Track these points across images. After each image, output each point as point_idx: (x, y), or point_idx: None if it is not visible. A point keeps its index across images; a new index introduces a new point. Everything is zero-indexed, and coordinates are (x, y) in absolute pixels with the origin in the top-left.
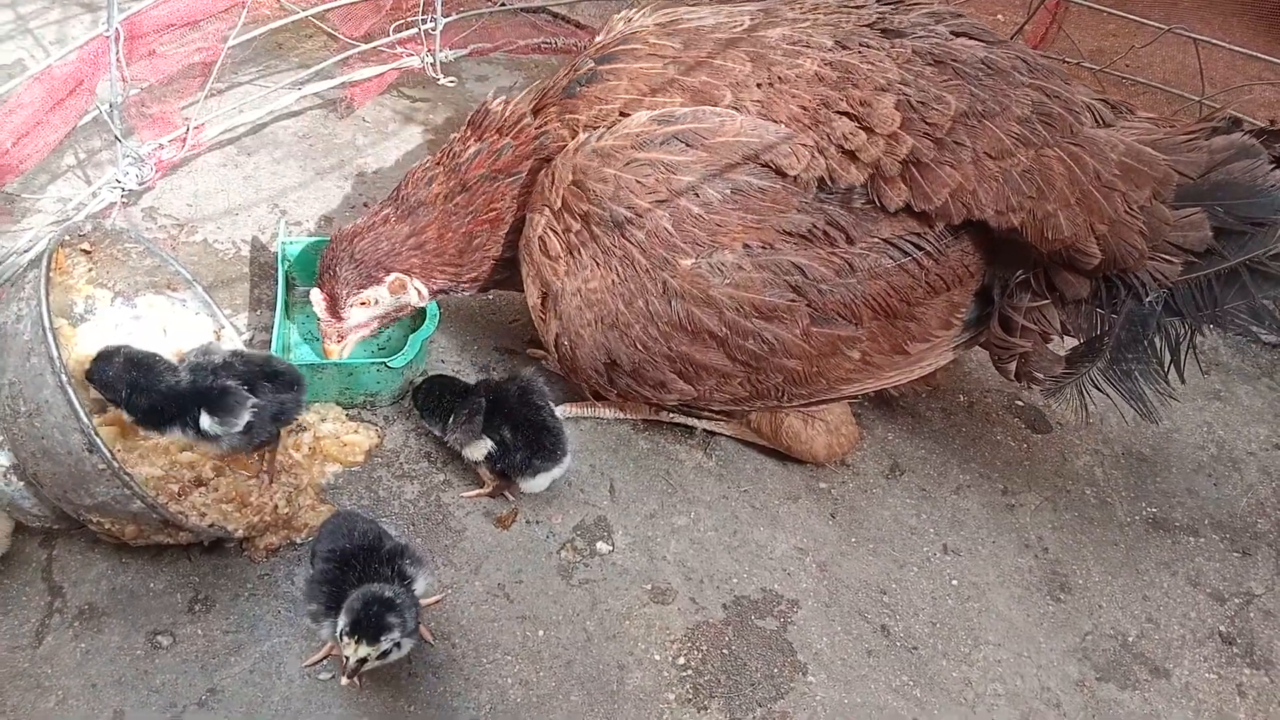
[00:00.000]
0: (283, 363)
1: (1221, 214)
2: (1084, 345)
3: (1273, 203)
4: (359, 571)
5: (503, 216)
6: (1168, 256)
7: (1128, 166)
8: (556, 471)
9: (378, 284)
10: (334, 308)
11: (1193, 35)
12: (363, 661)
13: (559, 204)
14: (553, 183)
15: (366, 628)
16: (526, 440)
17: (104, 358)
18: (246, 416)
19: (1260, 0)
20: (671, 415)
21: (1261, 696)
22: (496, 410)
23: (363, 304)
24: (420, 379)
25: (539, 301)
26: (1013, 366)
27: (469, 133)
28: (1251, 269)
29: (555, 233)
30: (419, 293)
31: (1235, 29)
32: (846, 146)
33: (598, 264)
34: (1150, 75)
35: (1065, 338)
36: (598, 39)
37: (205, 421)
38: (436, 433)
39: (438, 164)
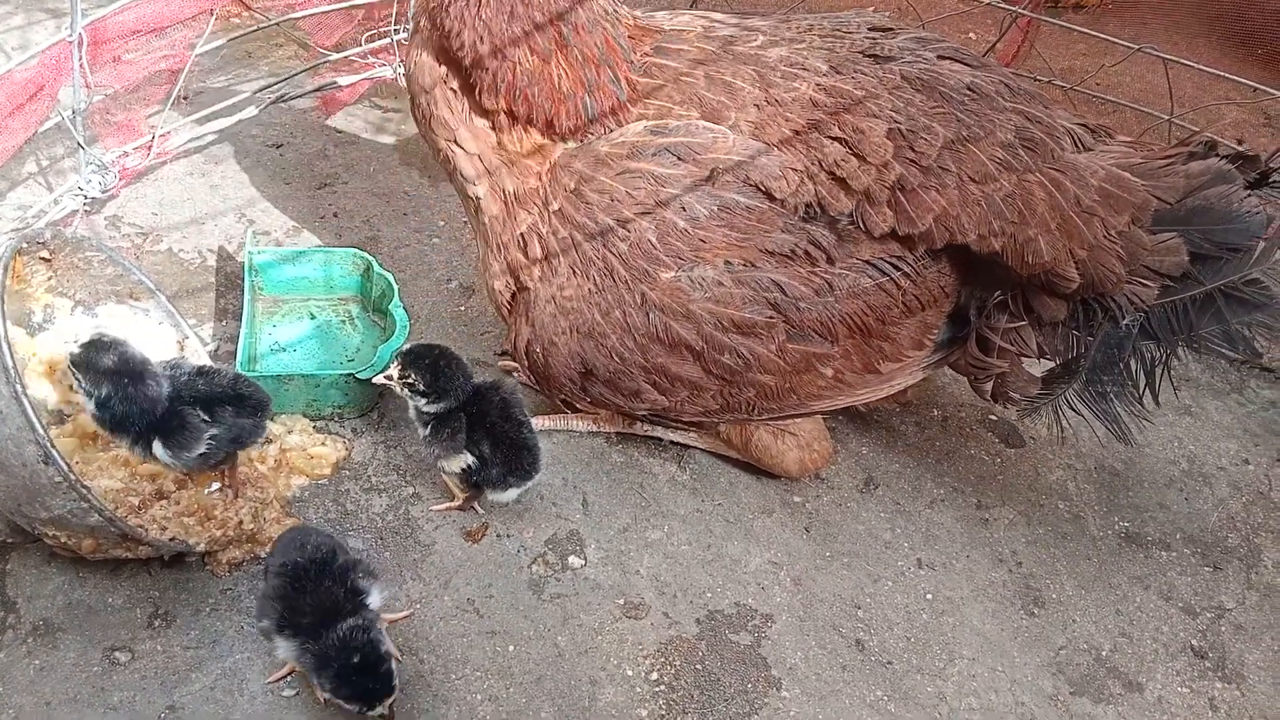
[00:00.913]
0: (249, 384)
1: (1198, 239)
2: (1060, 367)
3: (1247, 228)
4: (311, 587)
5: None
6: (1145, 280)
7: (1107, 192)
8: (528, 485)
9: None
10: None
11: (1162, 55)
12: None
13: (556, 206)
14: (555, 182)
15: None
16: (505, 458)
17: (101, 348)
18: (201, 449)
19: (1226, 22)
20: (646, 428)
21: (1233, 710)
22: (478, 424)
23: None
24: (411, 346)
25: (507, 297)
26: (989, 387)
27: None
28: (1226, 294)
29: (539, 235)
30: None
31: (1202, 49)
32: (837, 173)
33: (575, 272)
34: (1120, 94)
35: (1041, 359)
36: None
37: (158, 449)
38: (417, 394)
39: None
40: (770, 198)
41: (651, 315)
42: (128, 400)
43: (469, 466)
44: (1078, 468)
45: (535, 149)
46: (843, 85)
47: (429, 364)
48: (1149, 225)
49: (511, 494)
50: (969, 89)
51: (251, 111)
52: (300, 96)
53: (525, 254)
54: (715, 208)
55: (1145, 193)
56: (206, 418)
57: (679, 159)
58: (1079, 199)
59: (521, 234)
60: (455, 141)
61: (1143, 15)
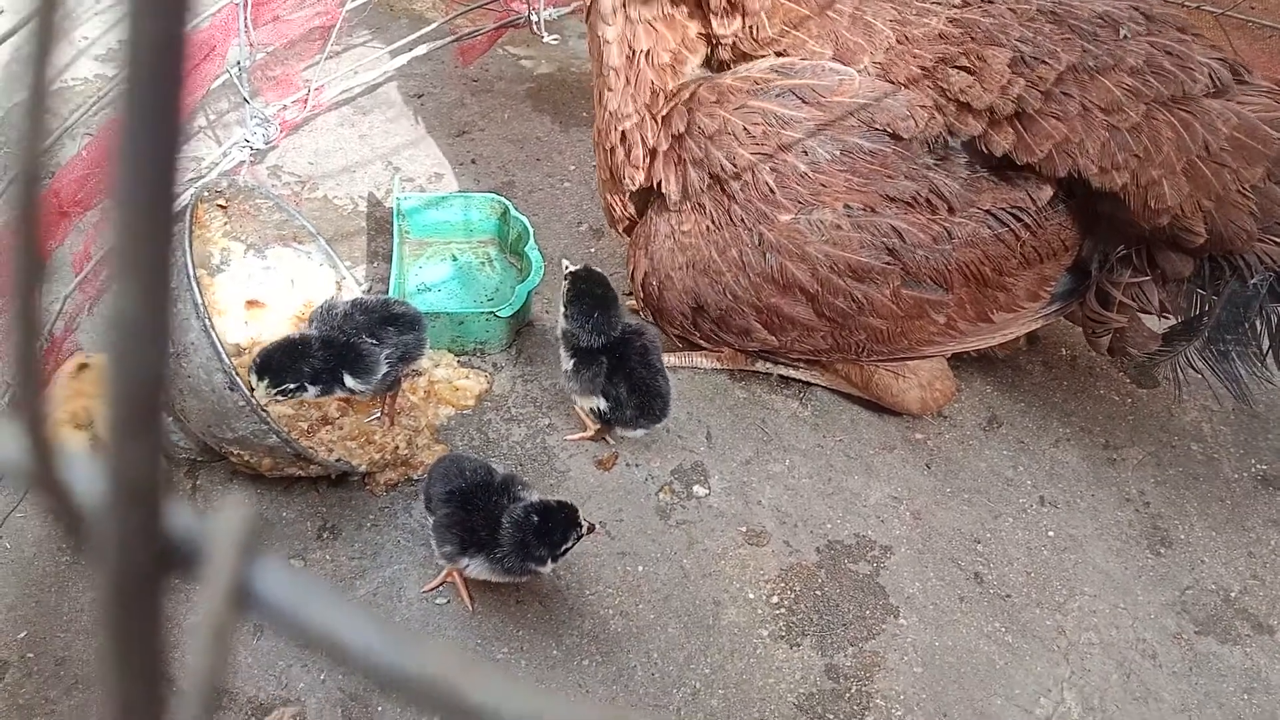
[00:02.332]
0: (400, 304)
1: None
2: (1181, 324)
3: None
4: (481, 505)
5: None
6: (1278, 239)
7: (1239, 142)
8: (658, 426)
9: None
10: None
11: None
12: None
13: (679, 129)
14: (680, 103)
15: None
16: (639, 402)
17: (269, 354)
18: (382, 369)
19: None
20: (767, 365)
21: None
22: (619, 369)
23: None
24: (582, 272)
25: (620, 205)
26: (1106, 341)
27: None
28: None
29: (644, 140)
30: None
31: None
32: (962, 99)
33: (694, 208)
34: (1278, 18)
35: (1162, 317)
36: None
37: (349, 382)
38: (574, 325)
39: None
40: (897, 139)
41: (768, 256)
42: (309, 369)
43: (602, 410)
44: (1214, 409)
45: (680, 45)
46: (972, 16)
47: (596, 298)
48: None
49: (640, 433)
50: (1100, 17)
51: (396, 63)
52: (439, 47)
53: (628, 154)
54: (838, 152)
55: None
56: (375, 342)
57: (803, 101)
58: (1208, 144)
59: (626, 130)
60: None
61: None
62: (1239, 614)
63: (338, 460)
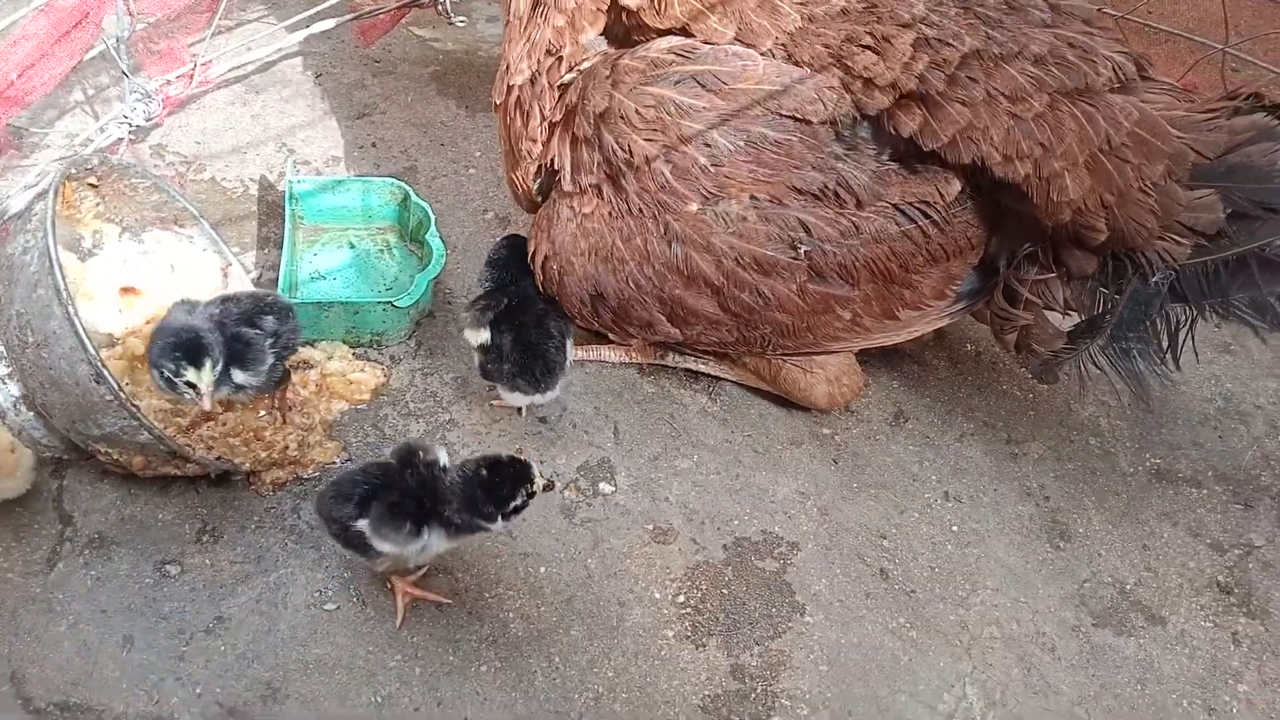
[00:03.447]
0: (266, 293)
1: (1236, 197)
2: (1085, 322)
3: None
4: (400, 497)
5: None
6: (1178, 237)
7: (1141, 138)
8: (536, 399)
9: None
10: None
11: None
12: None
13: (558, 118)
14: (573, 95)
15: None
16: (519, 359)
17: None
18: (270, 358)
19: None
20: (677, 359)
21: (1256, 645)
22: (510, 316)
23: None
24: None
25: (530, 187)
26: (1013, 338)
27: None
28: (1260, 259)
29: (542, 113)
30: None
31: None
32: (867, 76)
33: (595, 192)
34: (1174, 23)
35: (1067, 314)
36: None
37: (239, 376)
38: (496, 256)
39: None
40: (806, 123)
41: (674, 246)
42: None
43: (484, 344)
44: (1111, 404)
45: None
46: None
47: (512, 250)
48: (1186, 181)
49: (517, 399)
50: (1006, 4)
51: (293, 40)
52: (339, 25)
53: (527, 129)
54: (742, 143)
55: (1182, 145)
56: (258, 331)
57: (704, 88)
58: (1110, 138)
59: (527, 110)
60: None
61: None
62: (1134, 606)
63: (218, 459)
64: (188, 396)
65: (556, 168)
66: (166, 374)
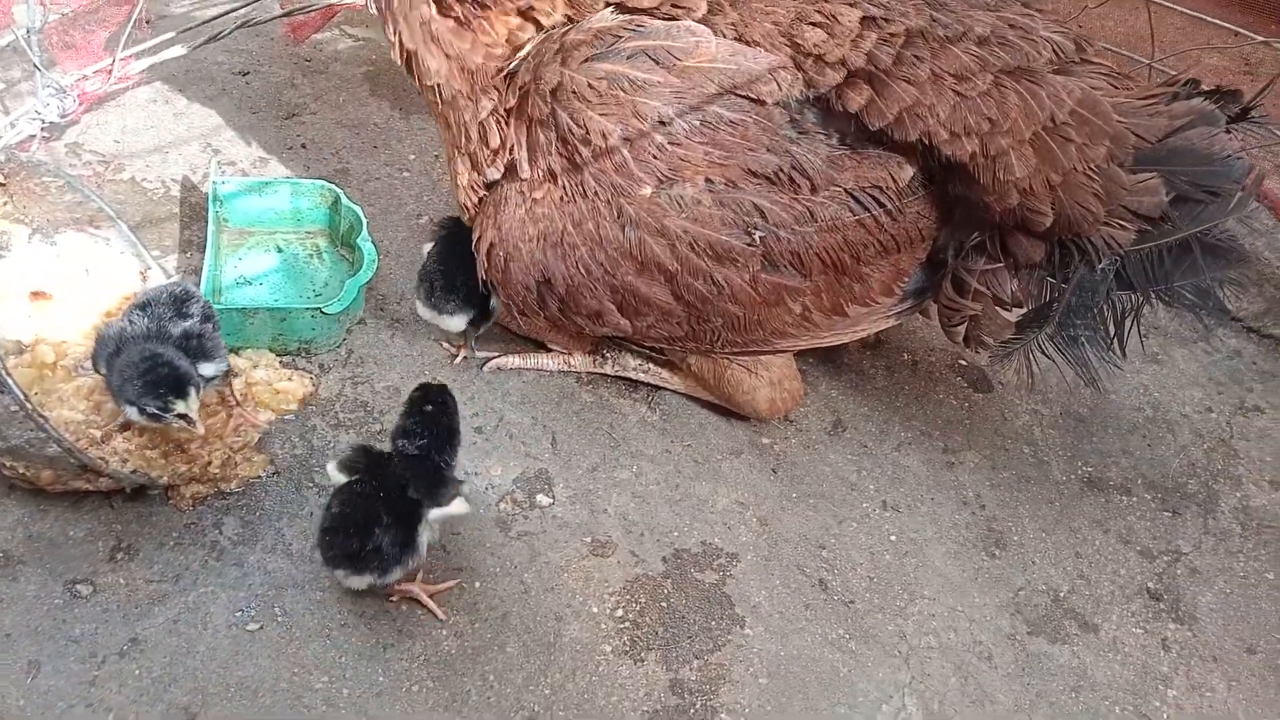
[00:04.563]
0: (173, 283)
1: (1178, 180)
2: (1033, 311)
3: (1229, 172)
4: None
5: None
6: (1122, 222)
7: (1083, 117)
8: (434, 315)
9: None
10: None
11: None
12: None
13: (511, 102)
14: (524, 71)
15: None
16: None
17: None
18: (224, 348)
19: None
20: (616, 368)
21: (1184, 650)
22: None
23: None
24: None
25: (475, 198)
26: (961, 330)
27: None
28: (1203, 243)
29: (499, 124)
30: None
31: None
32: (817, 53)
33: (546, 175)
34: (1104, 38)
35: (1015, 308)
36: None
37: (208, 369)
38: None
39: None
40: (759, 104)
41: (628, 230)
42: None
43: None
44: (1044, 413)
45: (507, 32)
46: None
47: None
48: (1129, 165)
49: (424, 312)
50: None
51: (218, 36)
52: (268, 21)
53: (486, 143)
54: (697, 122)
55: (1122, 127)
56: (197, 318)
57: (656, 63)
58: (1054, 116)
59: (482, 121)
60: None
61: None
62: (1067, 614)
63: (133, 472)
64: (176, 425)
65: (513, 156)
66: (153, 410)
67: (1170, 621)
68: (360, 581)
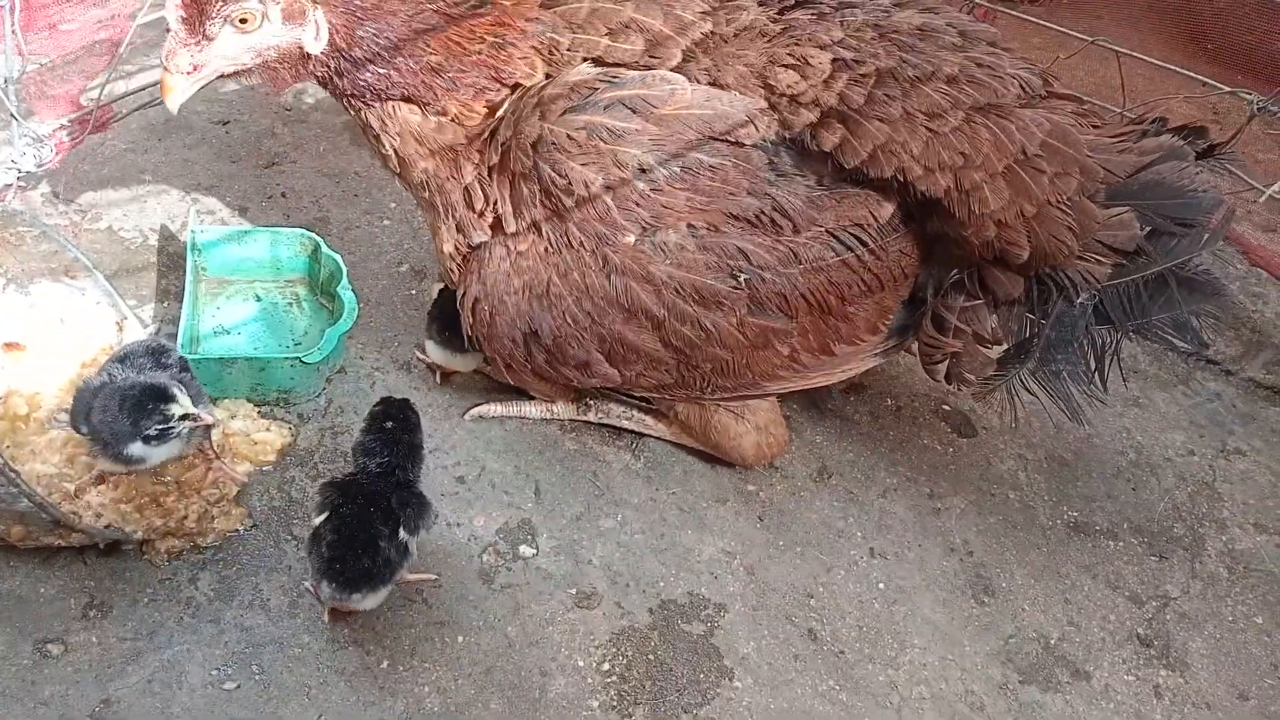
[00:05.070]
0: (148, 340)
1: (1151, 213)
2: (1014, 347)
3: (1200, 204)
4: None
5: (461, 60)
6: (1098, 256)
7: (1053, 147)
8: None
9: None
10: (198, 16)
11: (1115, 48)
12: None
13: (494, 160)
14: (503, 128)
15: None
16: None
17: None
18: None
19: (1177, 17)
20: (599, 415)
21: (1177, 697)
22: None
23: (242, 21)
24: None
25: (459, 260)
26: (943, 368)
27: None
28: (1179, 277)
29: (483, 188)
30: (316, 33)
31: (1154, 44)
32: (790, 94)
33: (530, 227)
34: (1075, 88)
35: (995, 345)
36: None
37: (207, 415)
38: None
39: None
40: (738, 146)
41: (614, 278)
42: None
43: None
44: (1028, 458)
45: (483, 108)
46: (796, 16)
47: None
48: (1101, 200)
49: (471, 360)
50: (919, 29)
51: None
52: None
53: (472, 208)
54: (678, 169)
55: (1091, 159)
56: (173, 368)
57: (633, 112)
58: (1025, 148)
59: (466, 186)
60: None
61: (1097, 9)
62: (1058, 661)
63: (107, 527)
64: (189, 430)
65: (499, 212)
66: (158, 429)
67: (1161, 668)
68: (376, 599)
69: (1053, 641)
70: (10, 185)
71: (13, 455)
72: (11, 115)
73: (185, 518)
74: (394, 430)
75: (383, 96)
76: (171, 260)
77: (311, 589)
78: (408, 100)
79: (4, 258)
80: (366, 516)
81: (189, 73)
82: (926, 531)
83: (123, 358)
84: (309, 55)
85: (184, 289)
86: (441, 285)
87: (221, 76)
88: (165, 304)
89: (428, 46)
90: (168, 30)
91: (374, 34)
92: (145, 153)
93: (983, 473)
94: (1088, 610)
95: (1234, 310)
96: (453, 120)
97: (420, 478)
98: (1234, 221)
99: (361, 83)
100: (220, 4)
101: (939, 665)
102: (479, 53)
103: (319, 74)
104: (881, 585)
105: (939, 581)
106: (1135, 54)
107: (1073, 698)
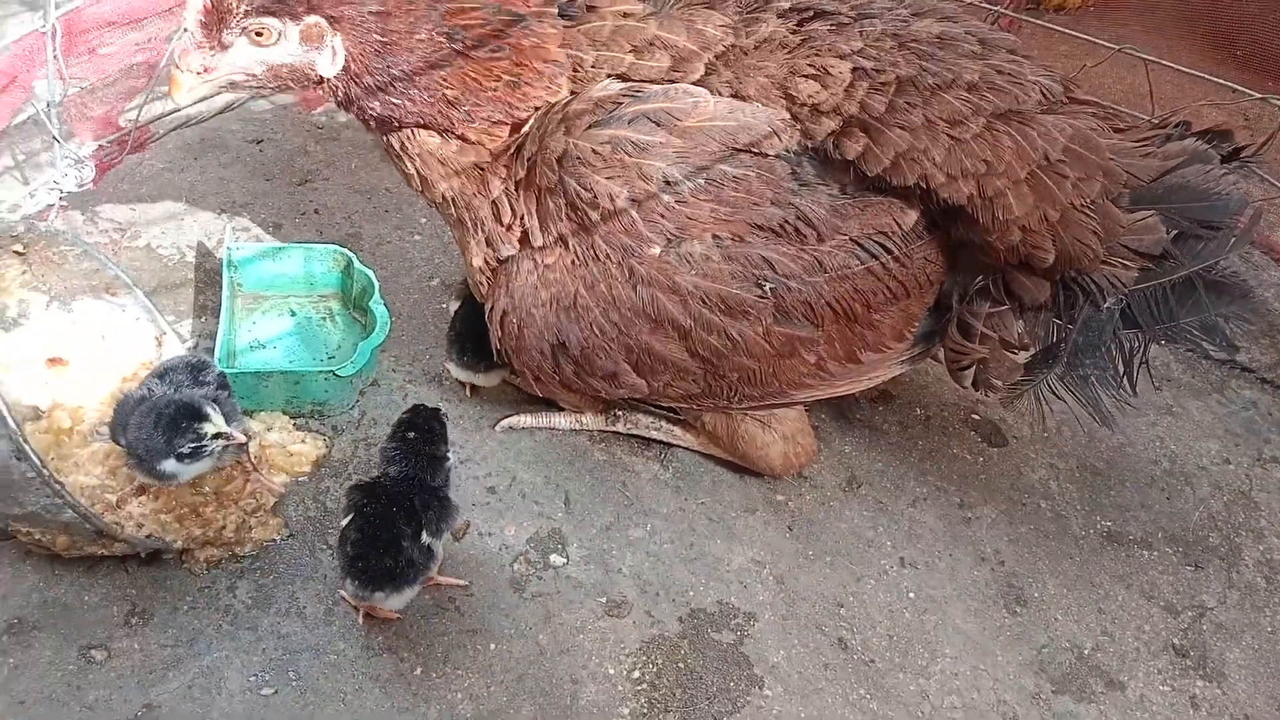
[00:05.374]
0: (187, 355)
1: (1177, 217)
2: (1040, 352)
3: (1226, 205)
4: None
5: (477, 95)
6: (1124, 260)
7: (1076, 153)
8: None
9: (292, 18)
10: (215, 23)
11: (1142, 56)
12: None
13: (521, 175)
14: (528, 143)
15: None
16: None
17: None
18: (231, 404)
19: (1204, 23)
20: (628, 426)
21: (1214, 708)
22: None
23: (258, 35)
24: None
25: (489, 274)
26: (970, 374)
27: None
28: (1206, 281)
29: (510, 201)
30: (332, 59)
31: (1181, 51)
32: (812, 103)
33: (558, 241)
34: (1102, 95)
35: (1021, 350)
36: None
37: (238, 430)
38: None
39: None
40: (762, 157)
41: (640, 289)
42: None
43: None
44: (1060, 467)
45: (503, 133)
46: (815, 27)
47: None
48: (1125, 204)
49: (495, 377)
50: (938, 38)
51: (234, 106)
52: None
53: (500, 222)
54: (702, 181)
55: (1114, 163)
56: (211, 385)
57: (658, 125)
58: (1047, 154)
59: (494, 200)
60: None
61: (1124, 17)
62: (1092, 671)
63: (148, 537)
64: (221, 449)
65: (525, 226)
66: (190, 448)
67: (1198, 679)
68: (400, 600)
69: (1086, 651)
70: (53, 205)
71: (57, 468)
72: (54, 137)
73: (224, 528)
74: (415, 440)
75: (397, 124)
76: (208, 277)
77: (345, 596)
78: (424, 127)
79: (48, 276)
80: (389, 517)
81: (199, 73)
82: (957, 541)
83: (163, 373)
84: (323, 78)
85: (220, 305)
86: (458, 304)
87: (232, 84)
88: (203, 319)
89: (444, 81)
90: (184, 30)
91: (389, 65)
92: (181, 171)
93: (1014, 482)
94: (1122, 620)
95: (1268, 317)
96: (474, 144)
97: (445, 484)
98: (1265, 228)
99: (374, 109)
100: (240, 15)
101: (971, 675)
102: (494, 90)
103: (334, 97)
104: (912, 594)
105: (970, 591)
106: (1163, 61)
107: (1107, 708)
